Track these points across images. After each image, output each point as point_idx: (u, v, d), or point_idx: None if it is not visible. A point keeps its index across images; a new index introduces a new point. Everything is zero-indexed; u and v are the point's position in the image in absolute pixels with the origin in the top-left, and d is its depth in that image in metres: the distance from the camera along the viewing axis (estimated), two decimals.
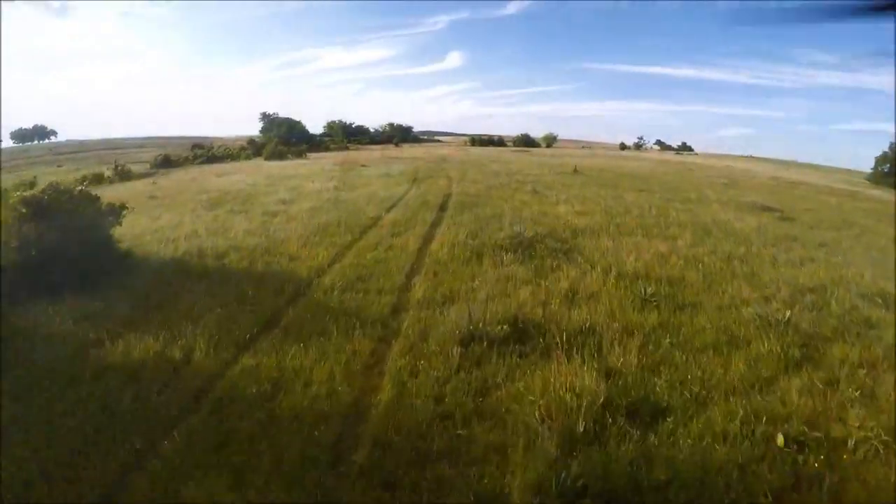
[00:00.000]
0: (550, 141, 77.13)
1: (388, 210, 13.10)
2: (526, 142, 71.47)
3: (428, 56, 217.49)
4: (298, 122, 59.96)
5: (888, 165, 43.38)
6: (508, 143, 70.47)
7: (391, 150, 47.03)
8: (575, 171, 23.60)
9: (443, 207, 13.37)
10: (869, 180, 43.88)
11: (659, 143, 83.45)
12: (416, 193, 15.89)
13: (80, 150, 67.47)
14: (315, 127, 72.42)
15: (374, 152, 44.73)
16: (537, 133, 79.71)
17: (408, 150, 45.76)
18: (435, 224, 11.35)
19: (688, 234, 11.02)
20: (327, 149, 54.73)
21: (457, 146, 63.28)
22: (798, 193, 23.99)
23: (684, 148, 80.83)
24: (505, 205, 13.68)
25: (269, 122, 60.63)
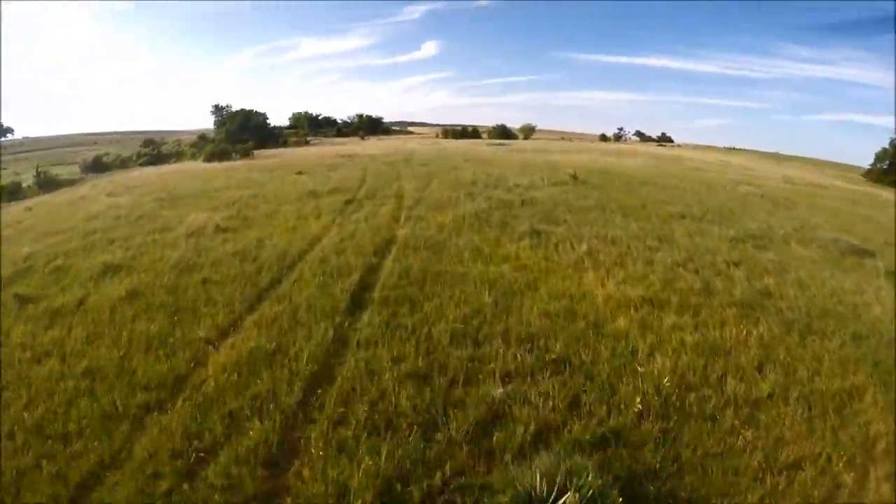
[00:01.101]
0: (528, 132, 69.36)
1: (258, 302, 6.54)
2: (502, 133, 63.44)
3: (404, 45, 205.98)
4: (259, 114, 50.71)
5: (887, 162, 39.13)
6: (483, 135, 62.71)
7: (352, 146, 39.58)
8: (574, 177, 17.17)
9: (361, 294, 6.75)
10: (865, 177, 39.85)
11: (639, 133, 77.25)
12: (334, 241, 9.21)
13: (34, 148, 58.58)
14: (285, 119, 63.99)
15: (330, 148, 37.34)
16: (514, 123, 72.17)
17: (370, 146, 38.29)
18: (319, 381, 4.86)
19: (861, 376, 4.94)
20: (285, 144, 46.95)
21: (426, 139, 55.50)
22: (827, 204, 18.33)
23: (664, 139, 75.15)
24: (487, 279, 7.18)
25: (223, 114, 51.65)
